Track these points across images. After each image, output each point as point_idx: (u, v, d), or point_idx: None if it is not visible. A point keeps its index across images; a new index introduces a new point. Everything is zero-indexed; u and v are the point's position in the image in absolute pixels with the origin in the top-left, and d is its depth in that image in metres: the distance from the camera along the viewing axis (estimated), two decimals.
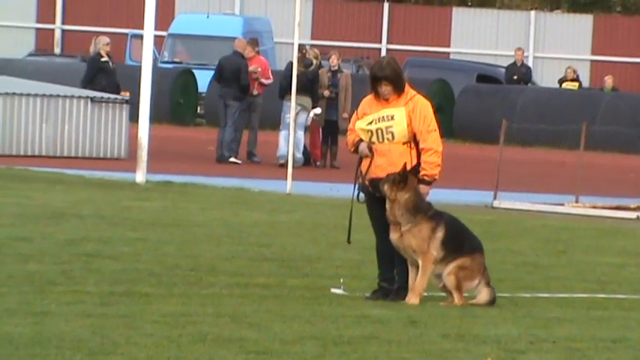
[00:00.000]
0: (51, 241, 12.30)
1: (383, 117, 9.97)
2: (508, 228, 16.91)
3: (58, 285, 9.46)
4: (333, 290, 10.07)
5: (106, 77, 25.91)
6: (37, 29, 49.98)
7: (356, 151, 10.12)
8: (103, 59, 25.89)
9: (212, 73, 27.28)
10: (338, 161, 25.64)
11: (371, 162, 9.92)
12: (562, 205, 20.45)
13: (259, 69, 26.33)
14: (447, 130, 35.17)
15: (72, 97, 25.38)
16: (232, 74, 26.10)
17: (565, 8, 53.58)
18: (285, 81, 24.89)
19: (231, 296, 9.32)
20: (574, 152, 22.68)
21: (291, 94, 22.06)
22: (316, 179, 23.42)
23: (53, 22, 49.56)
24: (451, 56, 47.34)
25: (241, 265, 10.90)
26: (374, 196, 9.95)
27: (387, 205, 9.76)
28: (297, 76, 22.11)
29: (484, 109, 34.57)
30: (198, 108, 35.73)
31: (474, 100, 36.26)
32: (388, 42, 48.29)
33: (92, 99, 25.26)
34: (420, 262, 9.72)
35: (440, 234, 9.81)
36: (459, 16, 48.57)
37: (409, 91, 10.11)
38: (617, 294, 10.79)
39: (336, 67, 26.46)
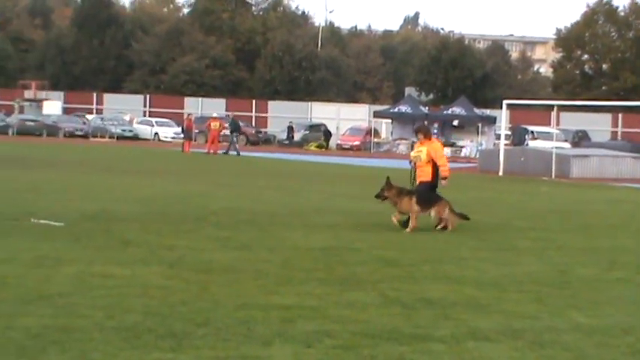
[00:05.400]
0: None
1: (420, 150, 14.47)
2: None
3: None
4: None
5: None
6: None
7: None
8: None
9: None
10: None
11: (416, 171, 14.53)
12: None
13: None
14: None
15: None
16: None
17: None
18: None
19: None
20: None
21: None
22: None
23: None
24: None
25: None
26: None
27: (395, 204, 13.83)
28: None
29: None
30: None
31: None
32: None
33: None
34: (411, 214, 13.88)
35: (414, 199, 13.70)
36: None
37: (431, 138, 14.76)
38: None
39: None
